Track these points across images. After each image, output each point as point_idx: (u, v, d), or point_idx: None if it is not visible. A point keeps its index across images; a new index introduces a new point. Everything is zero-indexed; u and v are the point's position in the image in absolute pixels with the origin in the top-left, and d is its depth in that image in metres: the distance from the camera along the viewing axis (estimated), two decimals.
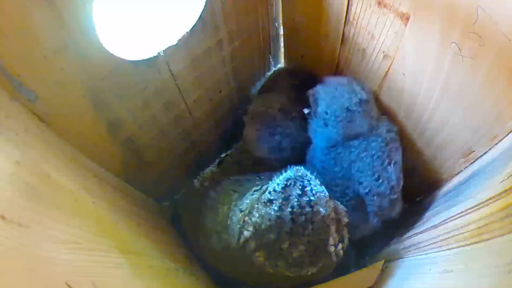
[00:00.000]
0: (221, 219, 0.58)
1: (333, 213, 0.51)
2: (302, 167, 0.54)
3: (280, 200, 0.49)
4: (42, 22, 0.37)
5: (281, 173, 0.53)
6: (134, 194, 0.62)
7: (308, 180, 0.51)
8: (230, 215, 0.55)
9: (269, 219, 0.49)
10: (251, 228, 0.50)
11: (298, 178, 0.51)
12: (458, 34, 0.45)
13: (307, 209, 0.49)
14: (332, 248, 0.51)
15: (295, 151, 0.68)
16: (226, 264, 0.60)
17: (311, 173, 0.53)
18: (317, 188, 0.50)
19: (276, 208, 0.49)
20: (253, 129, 0.70)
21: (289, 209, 0.49)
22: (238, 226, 0.52)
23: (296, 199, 0.49)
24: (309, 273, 0.51)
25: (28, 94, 0.39)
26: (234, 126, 0.77)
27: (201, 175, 0.83)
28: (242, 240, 0.51)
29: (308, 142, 0.68)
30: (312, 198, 0.49)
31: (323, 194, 0.50)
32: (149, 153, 0.64)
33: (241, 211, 0.53)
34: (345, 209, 0.54)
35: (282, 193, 0.49)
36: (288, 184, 0.50)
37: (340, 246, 0.52)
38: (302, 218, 0.49)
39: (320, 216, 0.49)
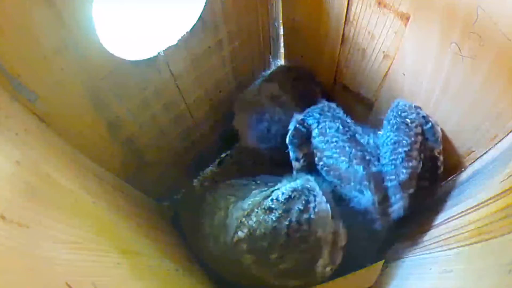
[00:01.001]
0: (217, 223, 0.57)
1: (330, 236, 0.49)
2: (313, 178, 0.52)
3: (280, 211, 0.48)
4: (42, 22, 0.37)
5: (292, 179, 0.52)
6: (134, 194, 0.62)
7: (314, 196, 0.49)
8: (231, 210, 0.55)
9: (265, 227, 0.48)
10: (246, 230, 0.50)
11: (304, 190, 0.49)
12: (458, 34, 0.45)
13: (305, 227, 0.48)
14: (320, 269, 0.50)
15: (285, 139, 0.66)
16: (222, 267, 0.60)
17: (322, 182, 0.52)
18: (321, 206, 0.49)
19: (274, 218, 0.48)
20: (241, 117, 0.70)
21: (287, 223, 0.48)
22: (235, 224, 0.52)
23: (296, 214, 0.48)
24: (292, 285, 0.51)
25: (28, 94, 0.39)
26: (233, 125, 0.77)
27: (201, 175, 0.83)
28: (235, 239, 0.51)
29: None
30: (312, 216, 0.48)
31: (325, 214, 0.49)
32: (149, 153, 0.64)
33: (242, 209, 0.53)
34: (345, 231, 0.52)
35: (284, 204, 0.48)
36: (293, 196, 0.49)
37: (328, 268, 0.51)
38: (297, 235, 0.48)
39: (315, 237, 0.48)
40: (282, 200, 0.49)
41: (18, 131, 0.35)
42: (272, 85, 0.72)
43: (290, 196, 0.49)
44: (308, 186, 0.50)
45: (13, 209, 0.28)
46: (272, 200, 0.49)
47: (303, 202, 0.48)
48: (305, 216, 0.48)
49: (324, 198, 0.50)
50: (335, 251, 0.51)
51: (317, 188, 0.50)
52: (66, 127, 0.44)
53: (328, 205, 0.50)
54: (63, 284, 0.28)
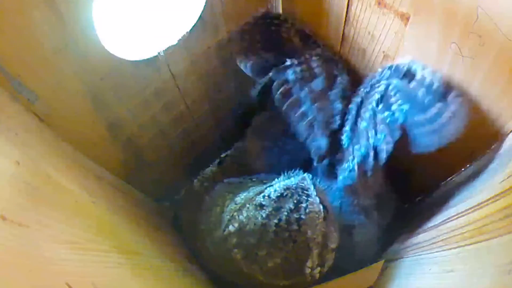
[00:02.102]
0: (213, 219, 0.57)
1: (320, 237, 0.49)
2: (309, 176, 0.51)
3: (270, 209, 0.48)
4: (42, 22, 0.37)
5: (287, 177, 0.51)
6: (134, 194, 0.62)
7: (307, 195, 0.48)
8: (227, 205, 0.55)
9: (254, 224, 0.48)
10: (236, 225, 0.49)
11: (298, 189, 0.49)
12: (458, 34, 0.45)
13: (294, 226, 0.47)
14: (308, 270, 0.49)
15: (293, 168, 0.67)
16: (218, 265, 0.60)
17: (319, 182, 0.51)
18: (313, 207, 0.48)
19: (264, 215, 0.47)
20: (253, 144, 0.70)
21: (275, 221, 0.47)
22: (228, 217, 0.52)
23: (286, 213, 0.47)
24: (281, 284, 0.51)
25: (29, 94, 0.39)
26: (234, 126, 0.77)
27: (201, 175, 0.83)
28: (226, 232, 0.51)
29: (309, 160, 0.64)
30: (302, 216, 0.47)
31: (316, 215, 0.48)
32: (149, 153, 0.64)
33: (235, 203, 0.53)
34: (336, 235, 0.52)
35: (275, 202, 0.48)
36: (285, 194, 0.48)
37: (317, 270, 0.50)
38: (286, 234, 0.47)
39: (304, 238, 0.47)
40: (274, 198, 0.48)
41: (18, 131, 0.35)
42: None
43: (282, 194, 0.48)
44: (303, 185, 0.49)
45: (13, 209, 0.28)
46: (263, 196, 0.49)
47: (295, 201, 0.48)
48: (295, 216, 0.47)
49: (317, 199, 0.49)
50: (325, 253, 0.50)
51: (312, 188, 0.50)
52: (66, 127, 0.44)
53: (321, 206, 0.49)
54: (63, 284, 0.28)
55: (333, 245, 0.51)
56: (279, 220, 0.47)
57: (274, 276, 0.50)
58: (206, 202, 0.62)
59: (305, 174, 0.52)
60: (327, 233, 0.50)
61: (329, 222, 0.51)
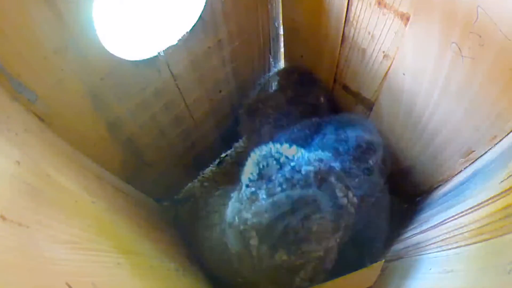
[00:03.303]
0: (215, 236, 0.57)
1: (322, 252, 0.47)
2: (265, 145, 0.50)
3: (264, 186, 0.45)
4: (42, 22, 0.37)
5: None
6: (134, 194, 0.62)
7: (278, 152, 0.46)
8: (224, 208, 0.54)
9: (265, 211, 0.44)
10: (253, 233, 0.46)
11: (266, 156, 0.47)
12: (458, 34, 0.45)
13: (297, 176, 0.44)
14: (298, 280, 0.49)
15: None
16: (222, 271, 0.60)
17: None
18: (324, 220, 0.46)
19: (264, 196, 0.44)
20: (246, 123, 0.71)
21: (279, 188, 0.44)
22: (239, 237, 0.48)
23: (280, 175, 0.45)
24: (298, 263, 0.48)
25: (29, 94, 0.39)
26: (234, 126, 0.77)
27: (201, 175, 0.83)
28: (247, 246, 0.47)
29: (301, 141, 0.66)
30: (313, 226, 0.45)
31: (326, 230, 0.46)
32: (149, 153, 0.64)
33: (230, 225, 0.49)
34: (333, 258, 0.50)
35: (262, 177, 0.45)
36: (261, 166, 0.46)
37: (306, 284, 0.49)
38: (292, 236, 0.45)
39: (308, 247, 0.46)
40: (256, 177, 0.46)
41: (18, 131, 0.35)
42: (278, 95, 0.73)
43: (260, 168, 0.46)
44: (264, 152, 0.48)
45: (13, 209, 0.28)
46: (247, 186, 0.46)
47: (275, 162, 0.46)
48: (286, 169, 0.45)
49: (328, 217, 0.47)
50: (319, 269, 0.50)
51: (324, 203, 0.48)
52: (66, 127, 0.44)
53: (331, 224, 0.48)
54: (63, 284, 0.28)
55: (327, 266, 0.50)
56: (280, 184, 0.45)
57: (264, 278, 0.50)
58: (203, 206, 0.63)
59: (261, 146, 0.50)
60: (329, 250, 0.49)
61: (333, 242, 0.49)
